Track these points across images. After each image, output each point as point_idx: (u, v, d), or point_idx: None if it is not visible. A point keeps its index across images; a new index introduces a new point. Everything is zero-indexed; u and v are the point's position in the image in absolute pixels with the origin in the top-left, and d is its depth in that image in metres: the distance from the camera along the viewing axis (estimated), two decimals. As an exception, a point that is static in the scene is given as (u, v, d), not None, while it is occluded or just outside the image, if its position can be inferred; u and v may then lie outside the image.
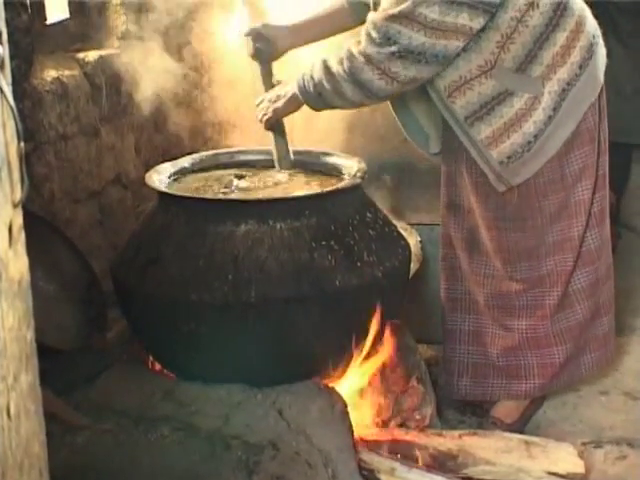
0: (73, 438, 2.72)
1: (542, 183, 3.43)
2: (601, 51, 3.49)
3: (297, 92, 3.37)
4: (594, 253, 3.63)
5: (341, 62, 3.22)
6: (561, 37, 3.33)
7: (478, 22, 3.17)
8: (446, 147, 3.54)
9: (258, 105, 3.52)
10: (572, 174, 3.47)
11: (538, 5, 3.28)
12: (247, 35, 3.60)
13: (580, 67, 3.37)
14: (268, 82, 3.58)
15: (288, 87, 3.42)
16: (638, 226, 5.28)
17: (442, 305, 3.73)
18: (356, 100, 3.31)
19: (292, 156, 3.52)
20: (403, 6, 3.10)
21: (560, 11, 3.33)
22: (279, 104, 3.44)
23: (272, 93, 3.49)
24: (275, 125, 3.50)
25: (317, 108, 3.43)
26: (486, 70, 3.28)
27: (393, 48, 3.14)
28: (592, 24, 3.47)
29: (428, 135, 3.55)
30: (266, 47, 3.61)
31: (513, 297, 3.57)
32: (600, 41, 3.49)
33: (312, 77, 3.30)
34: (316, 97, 3.34)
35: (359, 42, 3.21)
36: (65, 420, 2.77)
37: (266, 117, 3.46)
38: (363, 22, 3.39)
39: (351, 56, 3.20)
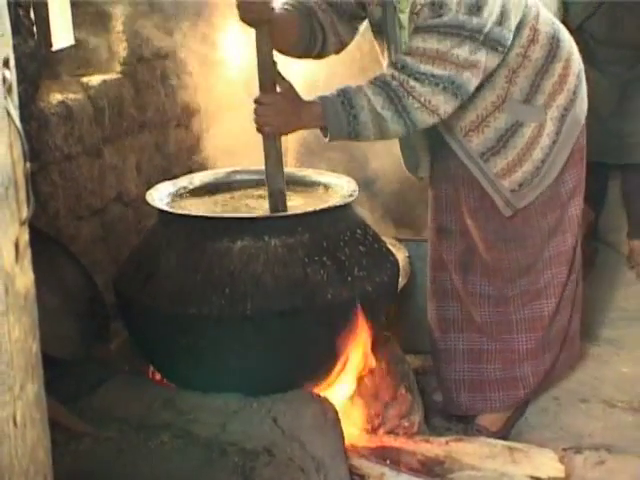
0: (77, 445, 2.72)
1: (541, 203, 3.46)
2: (584, 79, 3.54)
3: (322, 109, 3.08)
4: (578, 263, 3.68)
5: (381, 91, 3.07)
6: (558, 67, 3.39)
7: (494, 62, 3.19)
8: (438, 174, 3.54)
9: (258, 103, 3.08)
10: (567, 192, 3.51)
11: (538, 40, 3.33)
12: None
13: (574, 93, 3.44)
14: (265, 55, 3.09)
15: (308, 101, 3.11)
16: (614, 241, 5.28)
17: (432, 326, 3.73)
18: (394, 129, 3.11)
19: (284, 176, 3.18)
20: (438, 46, 3.06)
21: (555, 43, 3.38)
22: (293, 118, 3.10)
23: (290, 100, 3.10)
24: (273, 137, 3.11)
25: (337, 135, 3.13)
26: (498, 105, 3.32)
27: (430, 81, 3.06)
28: (577, 55, 3.53)
29: (419, 159, 3.54)
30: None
31: (511, 312, 3.58)
32: (583, 70, 3.55)
33: (345, 98, 3.07)
34: (348, 121, 3.07)
35: (398, 73, 3.08)
36: (69, 427, 2.77)
37: (268, 129, 3.08)
38: (302, 42, 3.36)
39: (390, 82, 3.07)
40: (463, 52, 3.07)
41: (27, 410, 1.80)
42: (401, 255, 3.71)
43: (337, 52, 3.53)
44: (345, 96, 3.07)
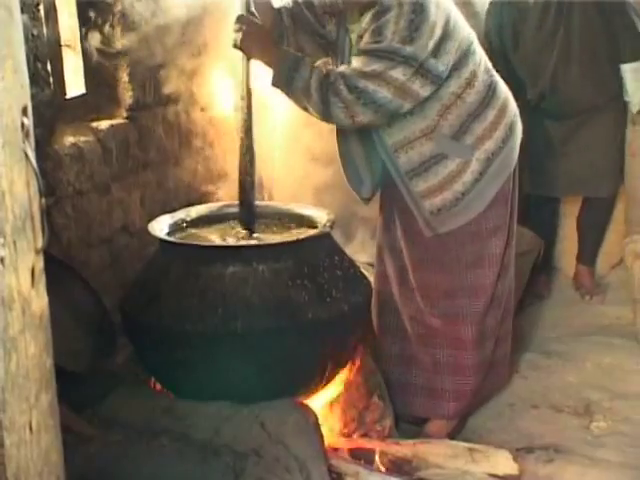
0: (86, 447, 2.70)
1: (461, 234, 3.44)
2: (518, 130, 3.53)
3: (275, 57, 3.21)
4: (501, 298, 3.65)
5: (319, 80, 3.14)
6: (491, 114, 3.37)
7: (426, 90, 3.18)
8: (383, 198, 3.55)
9: (240, 22, 3.24)
10: (487, 230, 3.49)
11: (475, 85, 3.32)
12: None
13: (503, 142, 3.41)
14: (245, 78, 3.31)
15: (274, 46, 3.27)
16: (563, 266, 5.28)
17: (378, 332, 3.72)
18: (315, 107, 3.17)
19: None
20: (374, 67, 3.09)
21: (491, 92, 3.38)
22: (259, 46, 3.24)
23: (262, 34, 3.26)
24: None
25: (277, 86, 3.23)
26: (427, 133, 3.30)
27: (359, 96, 3.10)
28: (513, 106, 3.52)
29: (362, 180, 3.53)
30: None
31: (436, 330, 3.57)
32: (518, 122, 3.53)
33: (295, 61, 3.18)
34: (287, 78, 3.18)
35: (334, 83, 3.13)
36: (79, 432, 2.75)
37: (240, 40, 3.22)
38: None
39: (326, 81, 3.13)
40: (397, 74, 3.09)
41: (42, 417, 1.79)
42: (372, 278, 3.71)
43: None
44: (297, 61, 3.19)
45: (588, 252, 5.06)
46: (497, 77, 3.48)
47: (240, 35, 3.22)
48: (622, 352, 4.35)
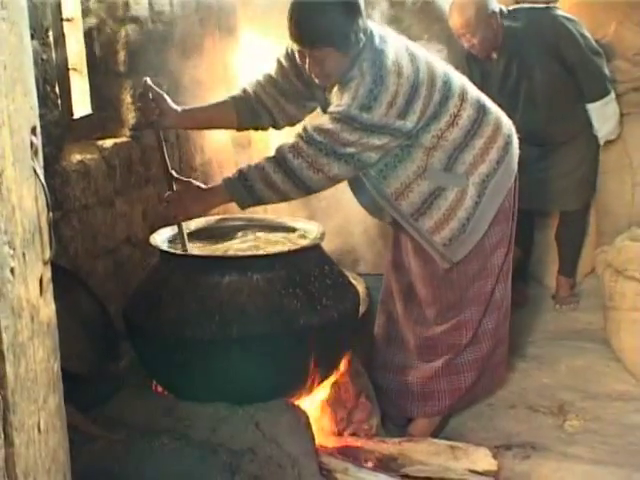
0: (91, 447, 2.69)
1: (470, 254, 3.43)
2: (515, 146, 3.51)
3: (224, 188, 3.14)
4: (499, 302, 3.65)
5: (269, 157, 3.10)
6: (479, 142, 3.35)
7: (395, 142, 3.17)
8: (394, 221, 3.53)
9: (166, 200, 3.20)
10: (491, 245, 3.49)
11: (457, 123, 3.29)
12: (144, 92, 3.24)
13: (497, 163, 3.39)
14: (162, 161, 3.28)
15: (211, 186, 3.23)
16: (539, 275, 5.29)
17: (375, 340, 3.72)
18: (282, 188, 3.10)
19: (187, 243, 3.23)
20: (330, 127, 3.07)
21: (477, 124, 3.35)
22: (198, 203, 3.19)
23: (190, 191, 3.19)
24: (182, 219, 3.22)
25: (245, 204, 3.16)
26: (420, 173, 3.28)
27: (319, 147, 3.07)
28: (507, 126, 3.50)
29: (382, 209, 3.50)
30: (160, 112, 3.25)
31: (436, 340, 3.57)
32: (514, 139, 3.51)
33: (240, 171, 3.12)
34: (246, 192, 3.10)
35: (288, 142, 3.11)
36: (84, 432, 2.74)
37: (179, 218, 3.19)
38: (245, 125, 3.43)
39: (280, 149, 3.09)
40: (352, 137, 3.06)
41: (49, 418, 1.79)
42: (361, 287, 3.72)
43: (291, 125, 3.53)
44: (242, 173, 3.11)
45: (566, 264, 5.06)
46: (488, 105, 3.45)
47: (176, 210, 3.18)
48: (593, 355, 4.37)
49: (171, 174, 3.24)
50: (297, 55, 3.18)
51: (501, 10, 4.55)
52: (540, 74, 4.57)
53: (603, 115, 4.67)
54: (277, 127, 3.51)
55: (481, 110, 3.39)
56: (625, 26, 4.96)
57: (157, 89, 3.28)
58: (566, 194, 4.85)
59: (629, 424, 3.79)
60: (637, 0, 5.13)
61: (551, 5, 4.85)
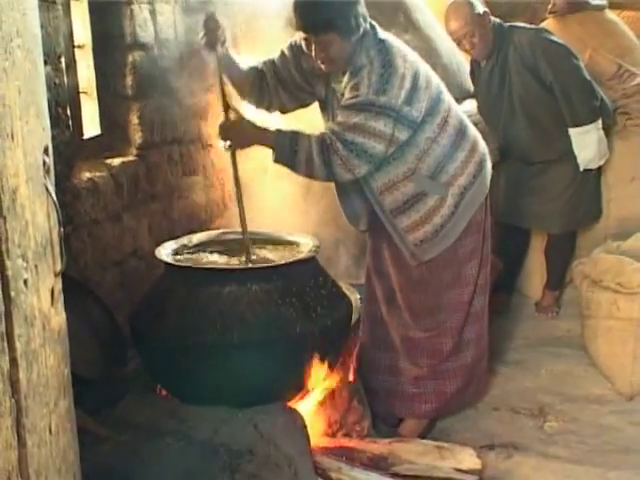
0: (100, 447, 2.69)
1: (441, 259, 3.45)
2: (488, 165, 3.54)
3: (274, 137, 3.16)
4: (480, 313, 3.66)
5: (317, 142, 3.13)
6: (461, 155, 3.39)
7: (404, 135, 3.20)
8: (372, 228, 3.55)
9: (222, 126, 3.22)
10: (464, 254, 3.50)
11: (447, 130, 3.35)
12: (205, 24, 3.27)
13: (474, 177, 3.43)
14: (222, 91, 3.27)
15: (265, 129, 3.18)
16: (520, 285, 5.28)
17: (363, 345, 3.72)
18: (316, 171, 3.16)
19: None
20: (355, 120, 3.11)
21: (461, 135, 3.40)
22: (249, 137, 3.20)
23: (243, 124, 3.21)
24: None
25: (281, 161, 3.19)
26: (408, 175, 3.32)
27: (351, 149, 3.12)
28: (482, 145, 3.53)
29: (359, 216, 3.54)
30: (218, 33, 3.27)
31: (418, 343, 3.58)
32: (488, 158, 3.54)
33: (294, 137, 3.15)
34: (289, 152, 3.14)
35: (329, 143, 3.13)
36: (93, 433, 2.74)
37: (232, 145, 3.21)
38: (253, 94, 3.46)
39: (323, 142, 3.13)
40: (377, 124, 3.11)
41: (60, 421, 1.79)
42: (354, 297, 3.70)
43: (282, 112, 3.56)
44: (295, 135, 3.15)
45: (553, 279, 5.04)
46: (467, 122, 3.50)
47: (228, 141, 3.21)
48: (572, 361, 4.37)
49: (228, 102, 3.26)
50: (304, 44, 3.23)
51: (494, 22, 4.58)
52: (520, 89, 4.55)
53: (582, 142, 4.58)
54: (269, 109, 3.54)
55: (462, 125, 3.45)
56: (599, 54, 4.99)
57: (220, 23, 3.29)
58: (552, 217, 4.81)
59: (605, 425, 3.79)
60: (610, 31, 5.18)
61: (541, 27, 4.86)
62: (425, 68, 3.32)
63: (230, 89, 3.37)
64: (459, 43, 4.56)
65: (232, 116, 3.24)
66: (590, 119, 4.56)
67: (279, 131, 3.17)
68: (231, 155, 3.25)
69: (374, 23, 3.27)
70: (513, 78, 4.56)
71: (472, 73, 4.85)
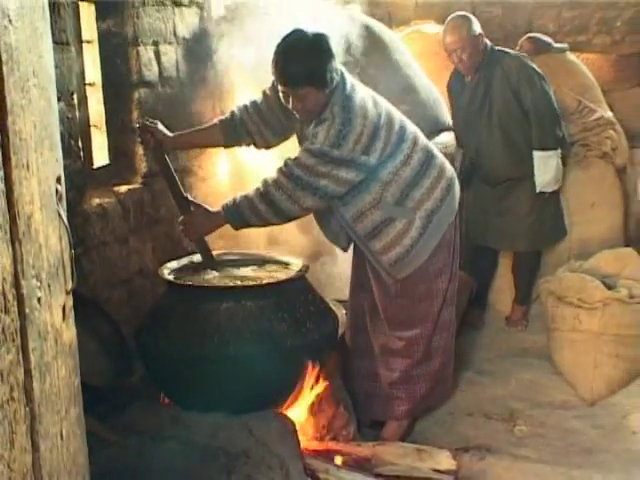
0: (108, 451, 2.67)
1: (414, 276, 3.44)
2: (456, 189, 3.53)
3: (222, 213, 3.18)
4: (448, 323, 3.66)
5: (256, 188, 3.15)
6: (427, 182, 3.38)
7: (360, 176, 3.20)
8: (355, 246, 3.55)
9: (181, 223, 3.28)
10: (434, 271, 3.49)
11: (410, 163, 3.34)
12: (141, 128, 3.35)
13: (441, 201, 3.42)
14: (172, 180, 3.34)
15: (215, 211, 3.22)
16: (492, 301, 5.27)
17: (347, 351, 3.72)
18: (266, 216, 3.15)
19: (214, 258, 3.36)
20: (307, 162, 3.11)
21: (425, 166, 3.39)
22: (207, 226, 3.26)
23: (200, 215, 3.26)
24: (200, 237, 3.30)
25: (237, 227, 3.24)
26: (374, 204, 3.31)
27: (297, 182, 3.11)
28: (450, 171, 3.53)
29: (338, 236, 3.52)
30: (156, 141, 3.33)
31: (394, 350, 3.57)
32: (456, 182, 3.54)
33: (234, 200, 3.18)
34: (235, 214, 3.16)
35: (271, 176, 3.15)
36: (102, 437, 2.73)
37: (192, 238, 3.29)
38: (230, 144, 3.50)
39: (264, 183, 3.14)
40: (324, 169, 3.10)
41: (70, 427, 1.78)
42: (340, 312, 3.70)
43: (266, 148, 3.56)
44: (235, 201, 3.16)
45: (521, 295, 5.03)
46: (434, 152, 3.48)
47: (189, 231, 3.27)
48: (539, 370, 4.37)
49: (186, 197, 3.31)
50: (281, 95, 3.23)
51: (486, 44, 4.61)
52: (500, 108, 4.56)
53: (544, 165, 4.59)
54: (256, 147, 3.55)
55: (429, 155, 3.44)
56: (562, 91, 5.02)
57: (150, 124, 3.35)
58: (518, 237, 4.81)
59: (569, 428, 3.79)
60: (571, 71, 5.21)
61: (524, 54, 4.88)
62: (387, 117, 3.29)
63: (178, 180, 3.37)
64: (450, 55, 4.62)
65: (190, 208, 3.28)
66: (555, 145, 4.59)
67: (223, 207, 3.19)
68: (197, 245, 3.34)
69: (344, 71, 3.27)
70: (496, 97, 4.58)
71: (452, 85, 4.87)
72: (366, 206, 3.32)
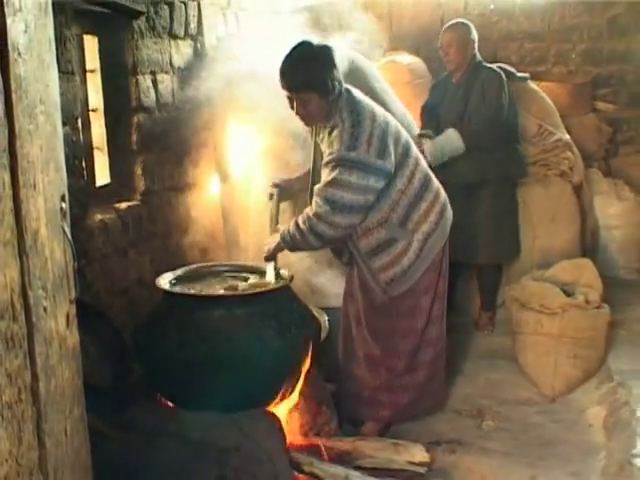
0: (109, 447, 2.66)
1: (402, 294, 3.42)
2: (449, 213, 3.51)
3: (280, 241, 3.28)
4: (434, 340, 3.60)
5: (304, 222, 3.18)
6: (424, 205, 3.36)
7: (380, 184, 3.19)
8: (351, 260, 3.52)
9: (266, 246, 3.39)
10: (420, 289, 3.45)
11: (414, 182, 3.33)
12: (274, 187, 3.58)
13: (436, 224, 3.40)
14: (274, 218, 3.52)
15: (277, 238, 3.32)
16: (463, 308, 5.26)
17: (338, 356, 3.70)
18: (315, 245, 3.25)
19: (281, 272, 3.39)
20: (333, 175, 3.11)
21: (424, 187, 3.38)
22: (273, 247, 3.32)
23: (271, 240, 3.37)
24: (272, 257, 3.35)
25: (293, 250, 3.35)
26: (382, 223, 3.30)
27: (332, 205, 3.12)
28: (443, 196, 3.50)
29: (342, 253, 3.51)
30: (283, 193, 3.59)
31: (377, 359, 3.54)
32: (448, 207, 3.51)
33: (289, 231, 3.24)
34: (291, 244, 3.26)
35: (312, 207, 3.18)
36: (103, 434, 2.71)
37: (266, 255, 3.34)
38: None
39: (308, 218, 3.17)
40: (350, 177, 3.10)
41: (74, 425, 1.77)
42: (322, 318, 3.70)
43: None
44: (288, 232, 3.24)
45: (485, 302, 5.02)
46: (431, 174, 3.47)
47: (269, 253, 3.35)
48: (505, 370, 4.37)
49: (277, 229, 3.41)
50: (288, 101, 3.25)
51: (475, 55, 4.65)
52: (471, 110, 4.57)
53: (445, 140, 4.58)
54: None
55: (427, 177, 3.42)
56: (525, 116, 5.04)
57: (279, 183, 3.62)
58: (477, 250, 4.78)
59: (532, 423, 3.80)
60: (533, 97, 5.25)
61: (510, 72, 4.92)
62: (395, 127, 3.30)
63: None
64: (440, 49, 4.67)
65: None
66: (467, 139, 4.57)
67: (281, 234, 3.29)
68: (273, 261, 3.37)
69: (350, 87, 3.28)
70: (471, 101, 4.58)
71: (437, 85, 4.88)
72: (374, 224, 3.30)
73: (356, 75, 4.62)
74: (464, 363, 4.51)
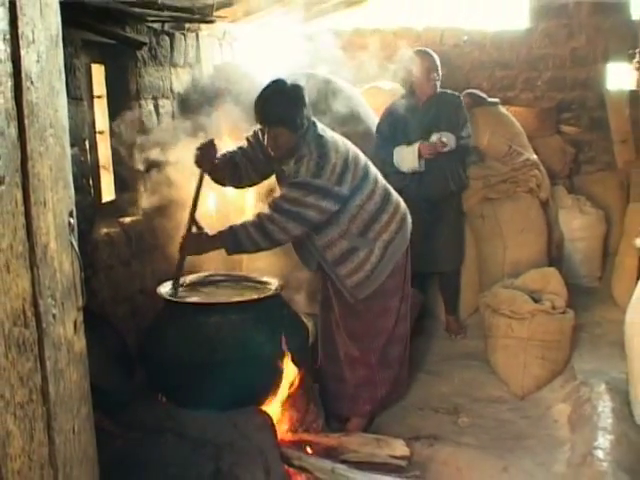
0: (113, 443, 2.65)
1: (372, 296, 3.45)
2: (408, 222, 3.54)
3: (219, 238, 3.14)
4: (403, 336, 3.66)
5: (256, 216, 3.15)
6: (385, 217, 3.40)
7: (336, 206, 3.21)
8: (322, 270, 3.53)
9: (182, 238, 3.20)
10: (388, 291, 3.50)
11: (373, 198, 3.37)
12: (200, 148, 3.28)
13: (396, 232, 3.44)
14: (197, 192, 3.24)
15: (214, 235, 3.16)
16: (435, 313, 5.27)
17: (320, 357, 3.71)
18: (258, 241, 3.13)
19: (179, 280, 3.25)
20: (295, 195, 3.13)
21: (385, 201, 3.42)
22: (201, 245, 3.18)
23: (201, 236, 3.18)
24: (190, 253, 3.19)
25: (231, 252, 3.19)
26: (342, 235, 3.33)
27: (288, 215, 3.12)
28: (403, 207, 3.55)
29: (310, 261, 3.51)
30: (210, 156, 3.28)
31: (354, 358, 3.56)
32: (408, 217, 3.55)
33: (231, 229, 3.15)
34: (235, 244, 3.14)
35: (268, 211, 3.14)
36: (108, 431, 2.70)
37: (183, 253, 3.20)
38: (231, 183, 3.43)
39: (262, 216, 3.13)
40: (310, 199, 3.12)
41: (81, 423, 1.77)
42: (310, 324, 3.70)
43: (250, 186, 3.57)
44: (232, 229, 3.15)
45: (449, 307, 5.02)
46: (390, 192, 3.50)
47: (182, 245, 3.19)
48: (478, 370, 4.37)
49: (195, 219, 3.22)
50: (260, 133, 3.28)
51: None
52: (435, 128, 4.59)
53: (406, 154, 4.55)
54: (239, 187, 3.53)
55: (387, 192, 3.47)
56: (495, 137, 5.08)
57: (215, 151, 3.30)
58: (440, 260, 4.78)
59: (503, 419, 3.80)
60: (503, 121, 5.28)
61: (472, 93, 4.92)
62: (354, 154, 3.33)
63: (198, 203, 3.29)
64: (427, 73, 4.55)
65: (194, 229, 3.21)
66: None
67: (220, 233, 3.16)
68: (180, 259, 3.22)
69: (315, 120, 3.31)
70: (440, 120, 4.55)
71: (400, 109, 4.72)
72: (335, 236, 3.32)
73: (344, 103, 4.65)
74: (440, 364, 4.51)
